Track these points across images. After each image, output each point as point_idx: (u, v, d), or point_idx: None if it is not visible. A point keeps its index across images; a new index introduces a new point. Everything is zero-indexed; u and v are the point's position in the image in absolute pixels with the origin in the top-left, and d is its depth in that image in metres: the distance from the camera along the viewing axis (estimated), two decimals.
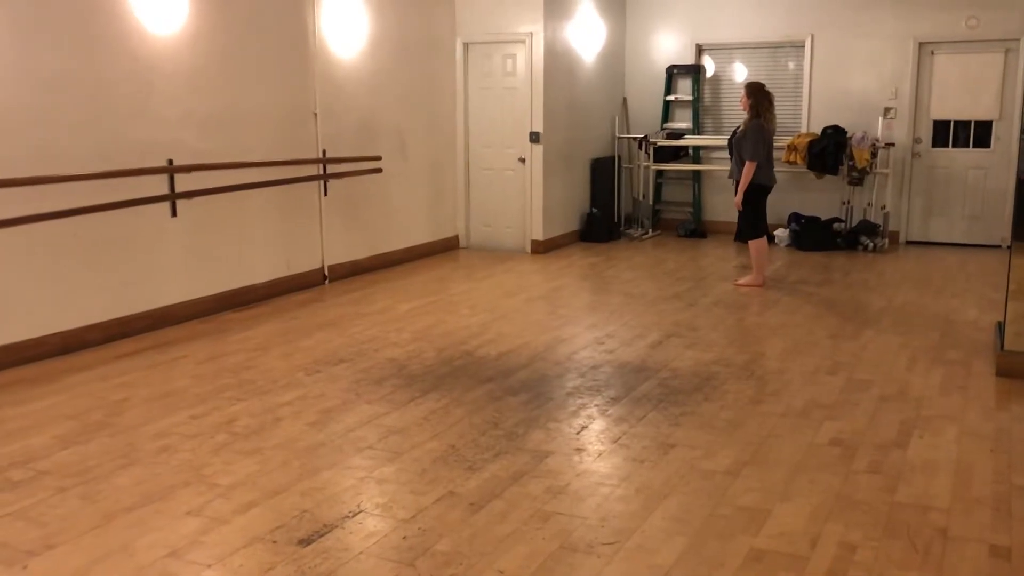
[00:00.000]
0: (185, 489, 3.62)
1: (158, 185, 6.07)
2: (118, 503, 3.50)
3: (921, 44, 9.42)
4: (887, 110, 9.54)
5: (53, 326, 5.49)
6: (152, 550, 3.12)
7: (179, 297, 6.32)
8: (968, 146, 9.50)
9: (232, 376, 5.12)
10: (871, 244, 9.34)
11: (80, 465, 3.86)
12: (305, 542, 3.17)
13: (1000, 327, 5.34)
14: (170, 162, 6.11)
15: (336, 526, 3.29)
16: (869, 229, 9.43)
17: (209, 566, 3.01)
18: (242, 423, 4.37)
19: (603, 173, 10.29)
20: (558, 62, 9.27)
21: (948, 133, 9.57)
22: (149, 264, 6.09)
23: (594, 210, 10.18)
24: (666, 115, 10.62)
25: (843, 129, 9.42)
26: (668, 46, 10.54)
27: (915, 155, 9.65)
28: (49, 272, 5.46)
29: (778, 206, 9.18)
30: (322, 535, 3.22)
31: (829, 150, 9.28)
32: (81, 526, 3.31)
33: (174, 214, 6.22)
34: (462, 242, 9.65)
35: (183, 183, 6.21)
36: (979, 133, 9.43)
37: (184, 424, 4.36)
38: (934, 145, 9.62)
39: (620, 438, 4.18)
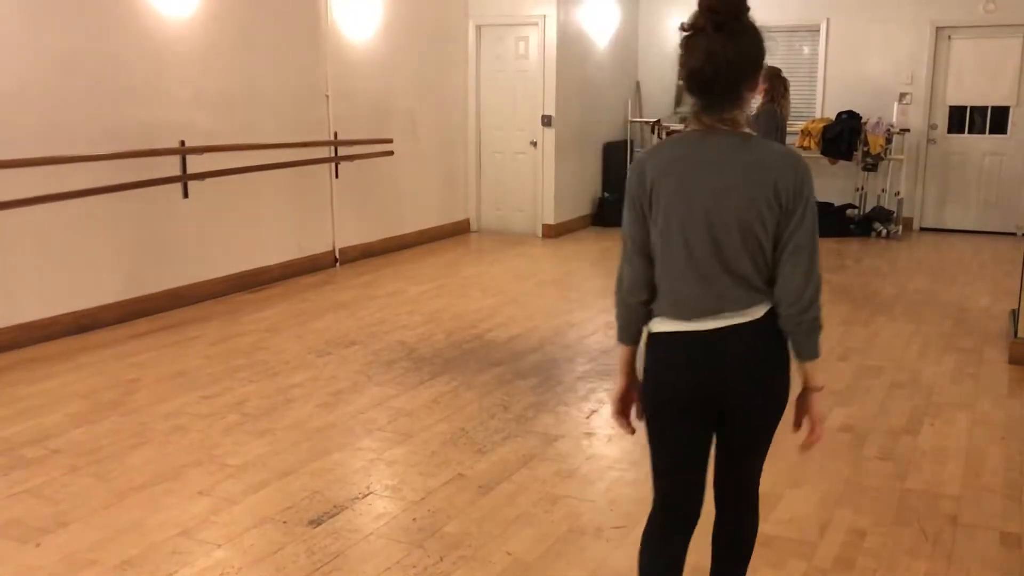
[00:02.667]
0: (196, 469, 3.64)
1: (170, 166, 6.08)
2: (130, 482, 3.52)
3: (938, 28, 9.33)
4: (902, 95, 9.46)
5: (66, 306, 5.51)
6: (163, 528, 3.14)
7: (191, 278, 6.34)
8: (984, 132, 9.42)
9: (244, 357, 5.14)
10: (884, 231, 9.28)
11: (92, 444, 3.89)
12: (315, 523, 3.19)
13: (1014, 315, 5.31)
14: (182, 143, 6.12)
15: (346, 507, 3.31)
16: (883, 215, 9.37)
17: (219, 545, 3.03)
18: (253, 404, 4.39)
19: (615, 157, 10.25)
20: (571, 45, 9.22)
21: (964, 119, 9.49)
22: (161, 245, 6.11)
23: (606, 194, 10.15)
24: (679, 99, 10.56)
25: (858, 114, 9.34)
26: None
27: (930, 141, 9.57)
28: (62, 252, 5.48)
29: None
30: (332, 516, 3.24)
31: (843, 135, 9.21)
32: (93, 504, 3.33)
33: (186, 195, 6.23)
34: (473, 226, 9.64)
35: (195, 164, 6.21)
36: (996, 119, 9.34)
37: (196, 404, 4.38)
38: (950, 131, 9.54)
39: None
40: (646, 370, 2.18)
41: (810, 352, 2.09)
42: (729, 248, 2.04)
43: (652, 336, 2.17)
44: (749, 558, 2.40)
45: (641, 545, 2.31)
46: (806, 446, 2.23)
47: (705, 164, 2.06)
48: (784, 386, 2.15)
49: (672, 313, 2.11)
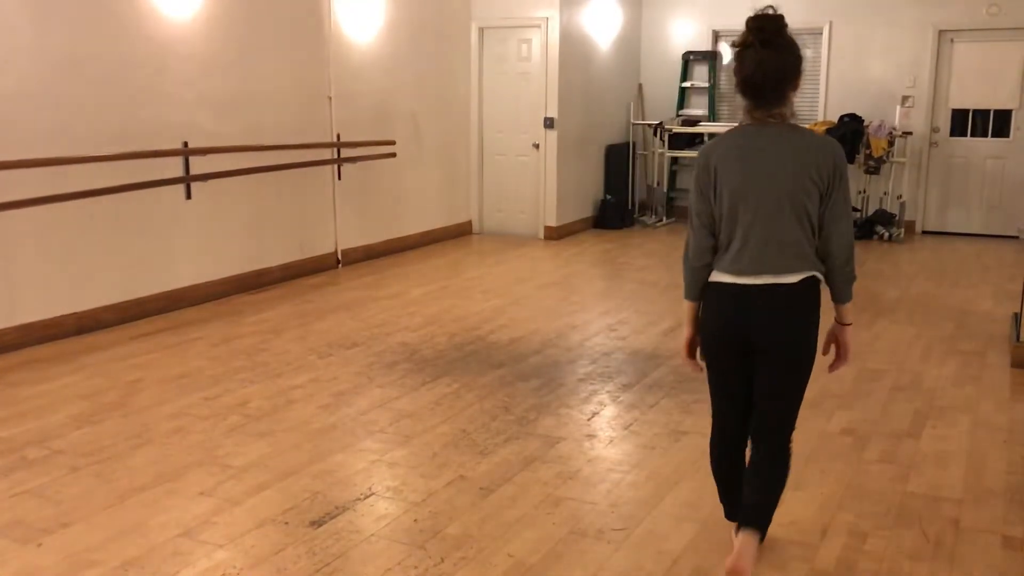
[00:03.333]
0: (198, 470, 3.65)
1: (173, 167, 6.09)
2: (132, 483, 3.52)
3: (941, 32, 9.33)
4: (905, 98, 9.46)
5: (69, 307, 5.52)
6: (165, 529, 3.15)
7: (193, 279, 6.35)
8: (987, 135, 9.41)
9: (245, 358, 5.14)
10: (887, 234, 9.28)
11: (94, 445, 3.89)
12: (316, 524, 3.19)
13: (1016, 318, 5.31)
14: (185, 144, 6.13)
15: (347, 508, 3.31)
16: (885, 219, 9.37)
17: (221, 546, 3.03)
18: (255, 405, 4.39)
19: (618, 159, 10.26)
20: (573, 47, 9.23)
21: (967, 122, 9.48)
22: (164, 246, 6.12)
23: (608, 197, 10.15)
24: (682, 102, 10.57)
25: (860, 117, 9.35)
26: (684, 32, 10.48)
27: (933, 144, 9.57)
28: (65, 253, 5.49)
29: None
30: (333, 517, 3.24)
31: (846, 138, 9.20)
32: (95, 505, 3.34)
33: (189, 196, 6.24)
34: (475, 227, 9.64)
35: (198, 166, 6.22)
36: (998, 122, 9.33)
37: (197, 405, 4.39)
38: (952, 134, 9.54)
39: (631, 425, 4.18)
40: (701, 315, 2.75)
41: (845, 296, 2.70)
42: (780, 219, 2.56)
43: (707, 284, 2.71)
44: (777, 493, 2.77)
45: (709, 454, 2.93)
46: (834, 368, 2.81)
47: (760, 151, 2.59)
48: (810, 344, 2.65)
49: (726, 269, 2.64)
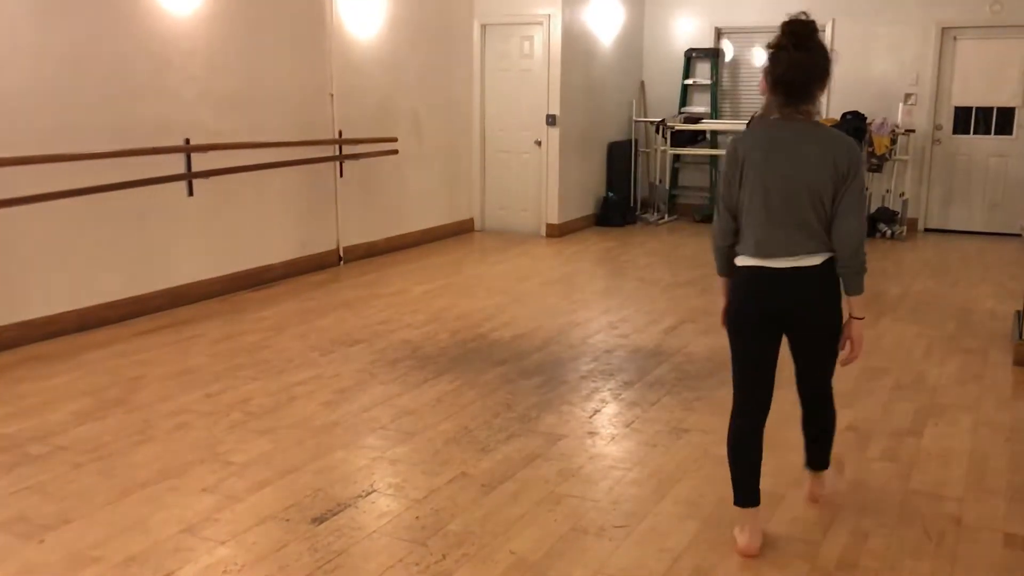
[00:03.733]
0: (200, 466, 3.65)
1: (175, 164, 6.09)
2: (134, 479, 3.53)
3: (944, 29, 9.31)
4: (907, 96, 9.45)
5: (70, 303, 5.53)
6: (167, 526, 3.15)
7: (195, 276, 6.35)
8: (989, 133, 9.40)
9: (247, 355, 5.14)
10: (889, 231, 9.27)
11: (96, 441, 3.90)
12: (318, 520, 3.19)
13: (1018, 316, 5.30)
14: (187, 141, 6.13)
15: (349, 505, 3.31)
16: (887, 216, 9.36)
17: (223, 543, 3.04)
18: (257, 402, 4.40)
19: (620, 157, 10.25)
20: (575, 44, 9.22)
21: (969, 120, 9.47)
22: (166, 243, 6.12)
23: (610, 194, 10.15)
24: (684, 99, 10.56)
25: (863, 115, 9.32)
26: (687, 29, 10.47)
27: (935, 142, 9.56)
28: (66, 250, 5.49)
29: None
30: (335, 514, 3.24)
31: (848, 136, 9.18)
32: (97, 501, 3.34)
33: (191, 193, 6.24)
34: (477, 225, 9.64)
35: (200, 162, 6.22)
36: (1001, 120, 9.32)
37: (199, 402, 4.39)
38: (955, 132, 9.53)
39: (633, 422, 4.18)
40: (729, 295, 2.98)
41: (856, 289, 2.85)
42: (799, 206, 2.79)
43: (735, 269, 2.94)
44: (831, 440, 3.21)
45: (729, 437, 3.03)
46: (845, 362, 2.99)
47: (785, 144, 2.82)
48: (835, 316, 2.91)
49: (751, 252, 2.86)
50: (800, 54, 2.75)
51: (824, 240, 2.81)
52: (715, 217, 3.01)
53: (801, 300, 2.86)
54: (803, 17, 2.81)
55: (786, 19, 2.80)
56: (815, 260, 2.81)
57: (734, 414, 3.01)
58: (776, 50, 2.79)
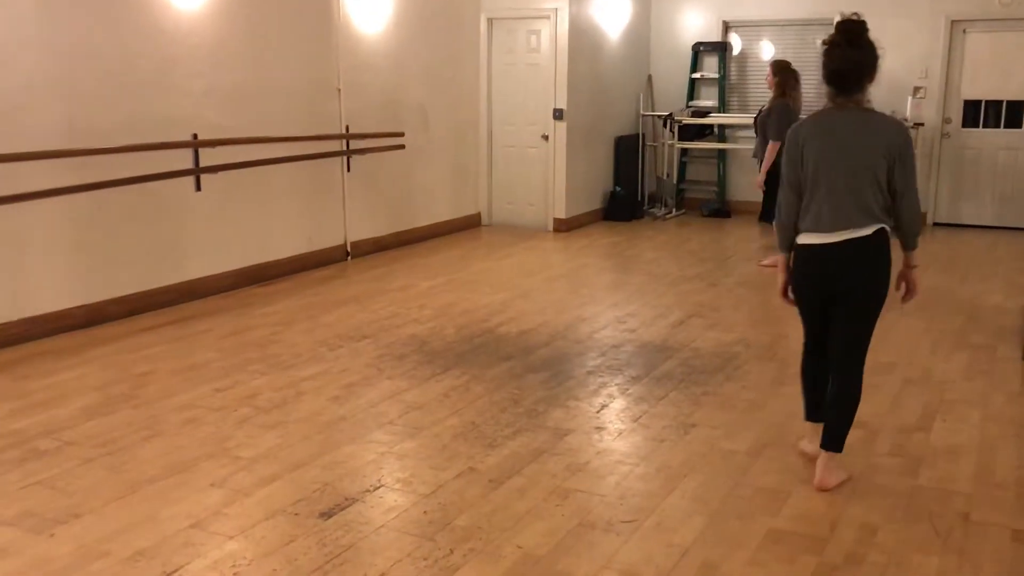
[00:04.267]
0: (208, 461, 3.66)
1: (182, 159, 6.10)
2: (142, 474, 3.54)
3: (953, 22, 9.26)
4: (916, 90, 9.40)
5: (79, 299, 5.55)
6: (176, 520, 3.16)
7: (203, 271, 6.36)
8: (999, 127, 9.35)
9: (255, 350, 5.16)
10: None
11: (105, 436, 3.91)
12: (326, 515, 3.20)
13: None
14: (194, 136, 6.14)
15: (357, 500, 3.32)
16: None
17: (231, 537, 3.05)
18: (265, 397, 4.41)
19: (627, 151, 10.23)
20: (583, 38, 9.20)
21: (979, 113, 9.42)
22: (174, 238, 6.13)
23: (617, 188, 10.13)
24: (691, 93, 10.53)
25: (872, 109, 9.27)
26: (694, 23, 10.44)
27: (944, 136, 9.51)
28: (74, 245, 5.51)
29: None
30: (343, 508, 3.25)
31: None
32: (106, 496, 3.35)
33: (198, 188, 6.25)
34: (484, 220, 9.64)
35: (207, 157, 6.23)
36: (1011, 113, 9.27)
37: (208, 397, 4.40)
38: (964, 125, 9.48)
39: (640, 417, 4.17)
40: (793, 267, 3.43)
41: (911, 245, 3.36)
42: (855, 184, 3.19)
43: (797, 246, 3.36)
44: (850, 415, 3.43)
45: (801, 365, 3.61)
46: (905, 300, 3.48)
47: (840, 130, 3.25)
48: (883, 282, 3.28)
49: (812, 228, 3.28)
50: (852, 50, 3.19)
51: (875, 213, 3.21)
52: (780, 195, 3.40)
53: (854, 267, 3.25)
54: (855, 17, 3.24)
55: (839, 19, 3.28)
56: (867, 231, 3.21)
57: (804, 352, 3.59)
58: (831, 46, 3.22)
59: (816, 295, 3.37)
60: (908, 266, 3.43)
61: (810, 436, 3.61)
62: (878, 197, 3.21)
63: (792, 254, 3.42)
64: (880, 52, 3.23)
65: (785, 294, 3.50)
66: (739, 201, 10.45)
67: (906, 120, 9.19)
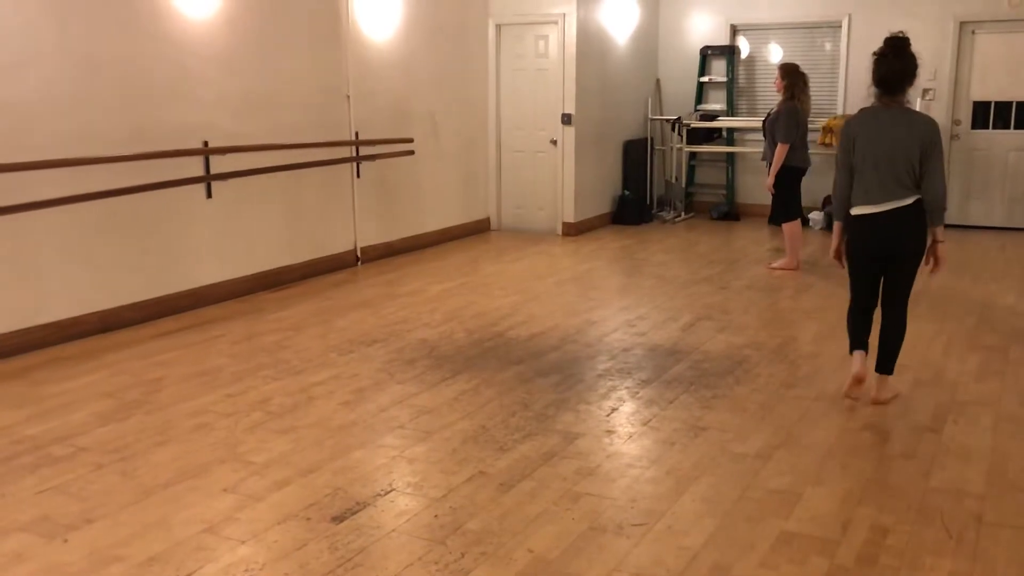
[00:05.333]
0: (221, 466, 3.68)
1: (193, 167, 6.14)
2: (155, 479, 3.56)
3: (962, 24, 9.24)
4: (925, 91, 9.38)
5: (92, 305, 5.58)
6: (188, 525, 3.18)
7: (215, 277, 6.40)
8: (1009, 128, 9.32)
9: (267, 355, 5.18)
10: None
11: (118, 442, 3.94)
12: (338, 519, 3.21)
13: None
14: (205, 144, 6.17)
15: (368, 504, 3.33)
16: None
17: (244, 542, 3.06)
18: (277, 402, 4.43)
19: (635, 155, 10.24)
20: (591, 43, 9.21)
21: (988, 114, 9.39)
22: (185, 244, 6.17)
23: (626, 192, 10.14)
24: (700, 96, 10.53)
25: None
26: (702, 27, 10.44)
27: (954, 137, 9.48)
28: (87, 252, 5.55)
29: (813, 189, 9.08)
30: (355, 513, 3.26)
31: None
32: (119, 501, 3.37)
33: (209, 195, 6.29)
34: (493, 224, 9.65)
35: (218, 165, 6.27)
36: (1021, 114, 9.22)
37: (220, 402, 4.43)
38: (974, 127, 9.45)
39: (651, 420, 4.18)
40: (848, 234, 4.27)
41: (938, 221, 4.10)
42: (896, 167, 4.04)
43: (852, 218, 4.21)
44: (896, 351, 4.32)
45: (847, 314, 4.44)
46: (932, 272, 4.25)
47: (885, 123, 4.11)
48: (921, 243, 4.11)
49: (863, 201, 4.14)
50: (897, 61, 4.08)
51: (912, 188, 4.05)
52: (836, 175, 4.26)
53: (897, 230, 4.10)
54: (900, 34, 4.13)
55: (888, 36, 4.13)
56: (907, 201, 4.06)
57: (851, 303, 4.39)
58: (880, 57, 4.11)
59: (867, 255, 4.21)
60: (935, 240, 4.14)
61: (856, 361, 4.31)
62: (913, 177, 4.03)
63: (846, 224, 4.26)
64: (920, 62, 4.11)
65: (837, 256, 4.36)
66: (748, 204, 10.44)
67: None
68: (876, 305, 4.31)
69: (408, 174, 8.23)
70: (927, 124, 4.08)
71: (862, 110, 4.25)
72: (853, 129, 4.17)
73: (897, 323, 4.28)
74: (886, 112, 4.10)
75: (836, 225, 4.32)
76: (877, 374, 4.31)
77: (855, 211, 4.16)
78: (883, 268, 4.20)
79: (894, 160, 4.02)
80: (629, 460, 3.74)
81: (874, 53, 4.10)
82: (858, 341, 4.35)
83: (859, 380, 4.29)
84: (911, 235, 4.08)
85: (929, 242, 4.12)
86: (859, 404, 4.35)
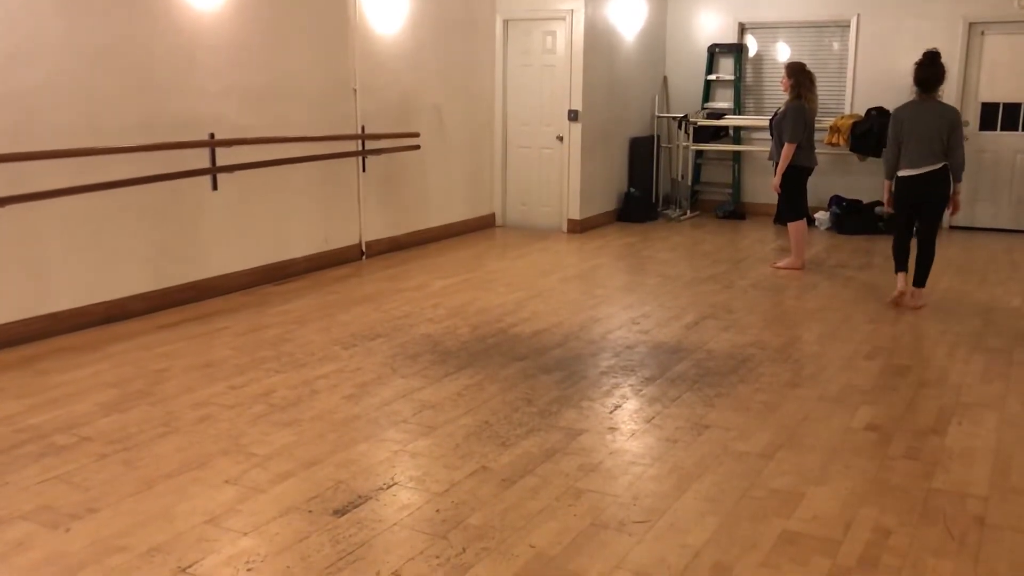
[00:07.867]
0: (223, 458, 3.69)
1: (200, 158, 6.14)
2: (158, 470, 3.57)
3: (971, 24, 9.21)
4: None
5: (97, 296, 5.59)
6: (190, 517, 3.18)
7: (220, 269, 6.40)
8: (1017, 129, 9.29)
9: (271, 348, 5.18)
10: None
11: (121, 432, 3.95)
12: (340, 512, 3.22)
13: None
14: (212, 136, 6.18)
15: (370, 498, 3.34)
16: None
17: (245, 534, 3.07)
18: (280, 395, 4.43)
19: (642, 153, 10.23)
20: (598, 40, 9.20)
21: (996, 116, 9.36)
22: (191, 236, 6.17)
23: (632, 190, 10.13)
24: (707, 95, 10.51)
25: (888, 111, 9.22)
26: (710, 24, 10.42)
27: None
28: (93, 243, 5.55)
29: (820, 188, 9.07)
30: (357, 506, 3.27)
31: (873, 132, 9.12)
32: (122, 491, 3.38)
33: (215, 187, 6.29)
34: (498, 220, 9.65)
35: (224, 157, 6.27)
36: None
37: (223, 394, 4.43)
38: (981, 128, 9.42)
39: (654, 418, 4.17)
40: (895, 189, 6.18)
41: (959, 178, 6.05)
42: (930, 142, 5.94)
43: (899, 178, 6.10)
44: (928, 268, 6.18)
45: (892, 243, 6.32)
46: (952, 214, 6.88)
47: (923, 112, 6.01)
48: (945, 196, 6.05)
49: (908, 165, 6.02)
50: (932, 68, 5.98)
51: (941, 156, 5.91)
52: (886, 149, 6.21)
53: (931, 186, 5.98)
54: (934, 49, 6.01)
55: (927, 50, 6.02)
56: (937, 166, 5.93)
57: (896, 235, 6.28)
58: (920, 65, 6.00)
59: (909, 203, 6.09)
60: (955, 192, 6.04)
61: (900, 280, 6.17)
62: (943, 148, 5.89)
63: (894, 183, 6.14)
64: (947, 68, 6.06)
65: (889, 204, 6.28)
66: (754, 203, 10.42)
67: None
68: (911, 234, 6.13)
69: (414, 169, 8.23)
70: (952, 112, 6.00)
71: (907, 102, 6.10)
72: (901, 115, 6.06)
73: (928, 250, 6.09)
74: (923, 104, 6.00)
75: (886, 183, 6.22)
76: (914, 288, 6.13)
77: (901, 173, 6.01)
78: (919, 212, 6.03)
79: (930, 137, 5.87)
80: (632, 457, 3.74)
81: (916, 63, 5.98)
82: (901, 264, 6.16)
83: (902, 294, 6.12)
84: (939, 189, 5.94)
85: (952, 192, 5.98)
86: (863, 404, 4.34)
